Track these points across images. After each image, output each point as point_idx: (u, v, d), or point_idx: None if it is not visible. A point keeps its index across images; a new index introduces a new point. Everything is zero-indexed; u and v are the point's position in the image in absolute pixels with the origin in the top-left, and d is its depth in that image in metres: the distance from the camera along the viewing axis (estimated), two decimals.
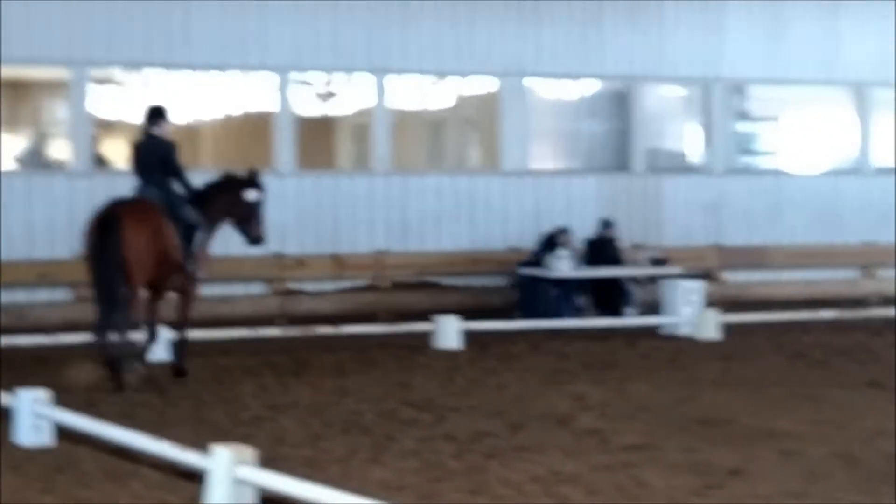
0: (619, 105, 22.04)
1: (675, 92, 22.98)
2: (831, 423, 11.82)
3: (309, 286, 19.98)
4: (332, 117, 23.05)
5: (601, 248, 20.02)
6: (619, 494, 8.99)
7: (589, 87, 22.15)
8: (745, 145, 23.67)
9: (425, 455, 10.28)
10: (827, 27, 22.73)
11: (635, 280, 20.28)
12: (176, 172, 14.25)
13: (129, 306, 13.53)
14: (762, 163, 23.69)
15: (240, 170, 14.97)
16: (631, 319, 19.37)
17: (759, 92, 23.26)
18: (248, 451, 8.08)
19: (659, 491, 9.08)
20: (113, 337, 13.46)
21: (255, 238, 14.66)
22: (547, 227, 20.44)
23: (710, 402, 13.10)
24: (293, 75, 20.24)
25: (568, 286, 19.46)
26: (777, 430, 11.47)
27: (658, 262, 20.27)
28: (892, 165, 23.46)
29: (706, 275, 21.18)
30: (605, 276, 19.75)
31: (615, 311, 19.58)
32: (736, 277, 22.19)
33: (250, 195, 14.54)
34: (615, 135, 22.09)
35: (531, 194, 21.16)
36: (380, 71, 20.45)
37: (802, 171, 23.09)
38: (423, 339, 17.12)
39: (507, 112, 21.17)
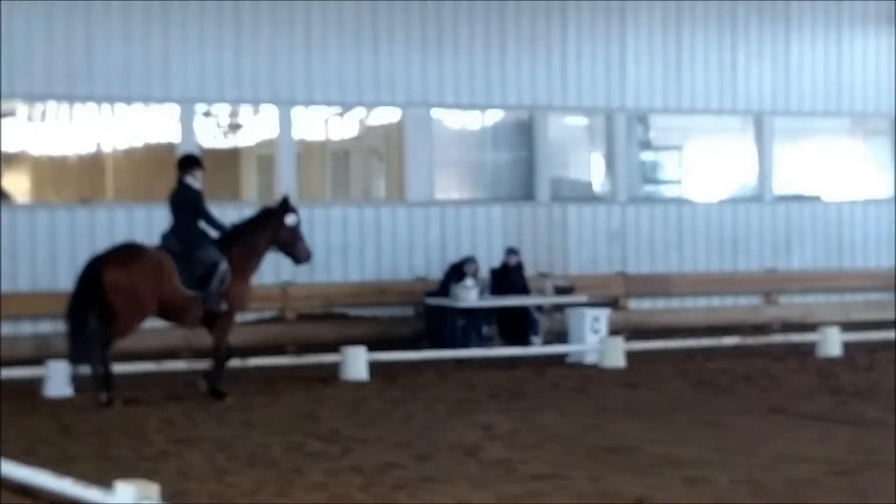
0: (523, 135, 22.15)
1: (579, 122, 23.16)
2: (735, 449, 11.95)
3: None
4: (236, 149, 22.98)
5: (507, 277, 20.08)
6: None
7: (493, 118, 22.26)
8: (648, 174, 23.90)
9: (333, 488, 10.26)
10: (725, 57, 23.03)
11: (541, 309, 20.37)
12: (205, 218, 15.52)
13: (107, 341, 14.88)
14: (665, 191, 23.94)
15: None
16: (537, 348, 19.45)
17: (661, 121, 23.52)
18: (153, 487, 8.00)
19: None
20: (85, 365, 14.82)
21: (303, 258, 16.20)
22: (453, 256, 20.49)
23: (617, 430, 13.21)
24: (197, 107, 20.14)
25: (475, 316, 19.50)
26: (682, 457, 11.57)
27: (563, 290, 20.36)
28: (793, 193, 23.81)
29: (611, 303, 21.35)
30: (512, 305, 19.82)
31: (522, 341, 19.64)
32: (640, 305, 22.37)
33: (290, 219, 15.90)
34: (520, 164, 22.19)
35: (437, 224, 21.19)
36: (284, 102, 20.40)
37: (705, 200, 23.34)
38: (331, 370, 17.08)
39: (412, 142, 21.19)
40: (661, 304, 22.53)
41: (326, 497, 9.92)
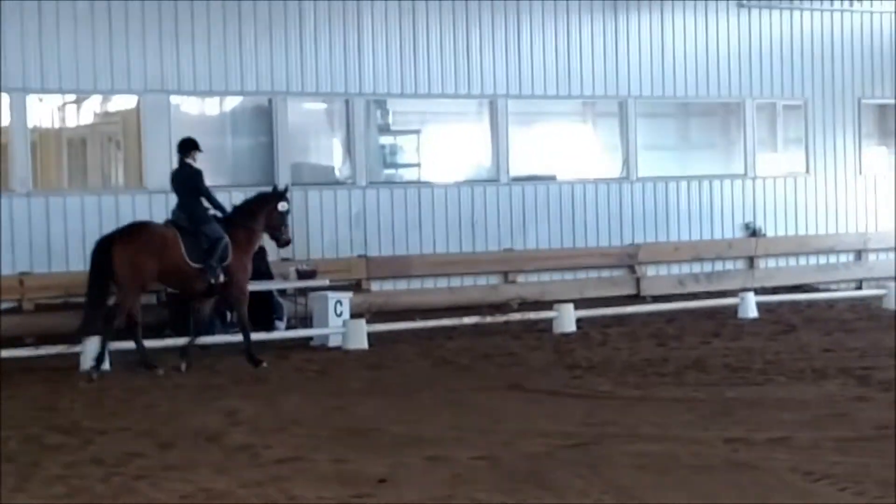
0: (263, 120, 22.14)
1: (318, 107, 23.25)
2: (475, 426, 12.21)
3: None
4: None
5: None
6: None
7: (232, 103, 22.18)
8: (387, 158, 24.15)
9: (72, 480, 10.15)
10: (459, 43, 23.42)
11: (285, 293, 20.41)
12: (205, 195, 17.15)
13: (113, 312, 16.51)
14: (404, 174, 24.22)
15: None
16: (281, 333, 19.50)
17: (399, 106, 23.78)
18: None
19: (308, 503, 9.24)
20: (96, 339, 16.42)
21: (285, 242, 17.99)
22: None
23: (360, 411, 13.36)
24: None
25: (218, 302, 19.40)
26: (423, 436, 11.78)
27: (306, 274, 20.45)
28: (528, 174, 24.35)
29: (354, 286, 21.53)
30: (255, 290, 19.79)
31: (266, 325, 19.66)
32: (382, 287, 22.62)
33: (282, 206, 17.61)
34: (260, 150, 22.18)
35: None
36: (17, 90, 19.96)
37: (443, 182, 23.69)
38: (71, 360, 16.82)
39: (151, 129, 20.98)
40: (402, 285, 22.83)
41: (65, 490, 9.82)
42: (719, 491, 9.29)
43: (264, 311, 19.87)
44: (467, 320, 20.40)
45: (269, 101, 22.02)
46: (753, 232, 26.33)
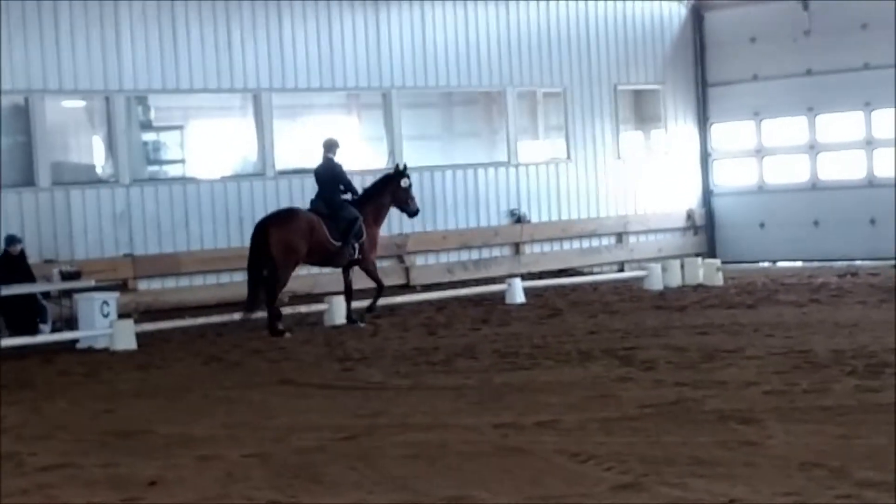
0: (20, 119, 21.61)
1: (77, 104, 22.80)
2: (246, 424, 12.15)
3: None
4: None
5: (9, 266, 19.58)
6: None
7: None
8: (150, 155, 23.84)
9: None
10: (221, 37, 23.23)
11: (49, 296, 19.99)
12: (345, 182, 20.05)
13: (273, 287, 19.29)
14: (169, 171, 23.94)
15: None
16: (46, 336, 19.10)
17: (161, 101, 23.49)
18: None
19: None
20: (260, 308, 19.41)
21: (414, 212, 21.01)
22: None
23: (129, 413, 13.17)
24: None
25: None
26: (194, 435, 11.68)
27: (70, 276, 20.08)
28: (294, 167, 24.29)
29: (120, 285, 21.21)
30: (16, 293, 19.34)
31: (29, 330, 19.22)
32: (150, 286, 22.33)
33: (405, 182, 20.50)
34: (17, 150, 21.64)
35: None
36: None
37: (209, 177, 23.49)
38: None
39: None
40: (171, 283, 22.57)
41: None
42: (490, 476, 9.43)
43: (27, 314, 19.43)
44: (237, 316, 20.30)
45: (26, 99, 21.51)
46: (518, 218, 26.80)
